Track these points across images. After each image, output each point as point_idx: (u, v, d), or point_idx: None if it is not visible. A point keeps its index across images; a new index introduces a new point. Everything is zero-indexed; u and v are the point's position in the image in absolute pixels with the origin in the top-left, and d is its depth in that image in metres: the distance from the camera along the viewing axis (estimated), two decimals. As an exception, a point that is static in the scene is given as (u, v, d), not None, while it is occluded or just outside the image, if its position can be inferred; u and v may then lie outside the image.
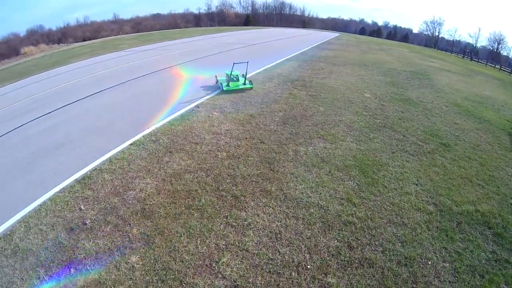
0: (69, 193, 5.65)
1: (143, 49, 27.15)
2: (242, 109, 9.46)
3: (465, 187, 6.54)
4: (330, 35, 52.64)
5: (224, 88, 11.40)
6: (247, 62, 11.74)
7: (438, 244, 4.89)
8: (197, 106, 9.69)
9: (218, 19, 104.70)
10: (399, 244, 4.79)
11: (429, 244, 4.87)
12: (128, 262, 4.15)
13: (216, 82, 12.21)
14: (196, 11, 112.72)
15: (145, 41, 35.27)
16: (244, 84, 11.71)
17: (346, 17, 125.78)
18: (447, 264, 4.55)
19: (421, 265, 4.48)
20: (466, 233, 5.22)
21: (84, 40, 58.86)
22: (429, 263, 4.52)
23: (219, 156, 6.65)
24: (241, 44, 26.68)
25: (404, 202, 5.80)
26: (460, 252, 4.78)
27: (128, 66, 19.05)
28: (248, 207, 5.18)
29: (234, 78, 11.68)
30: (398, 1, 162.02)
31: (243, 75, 11.87)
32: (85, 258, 4.24)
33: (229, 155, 6.73)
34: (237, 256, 4.29)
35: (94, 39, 60.60)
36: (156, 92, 12.35)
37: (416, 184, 6.40)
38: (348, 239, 4.83)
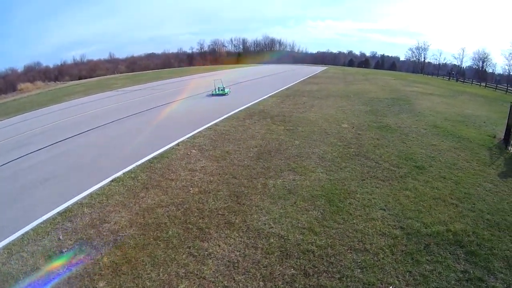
0: (51, 224, 6.25)
1: (133, 89, 29.26)
2: (219, 146, 10.07)
3: (437, 207, 6.67)
4: (318, 69, 55.53)
5: (213, 93, 22.08)
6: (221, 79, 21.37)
7: (401, 268, 4.94)
8: (178, 145, 10.40)
9: (210, 58, 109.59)
10: (359, 270, 4.85)
11: (391, 269, 4.92)
12: (96, 287, 4.54)
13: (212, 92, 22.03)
14: (189, 51, 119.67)
15: (137, 81, 38.10)
16: (223, 90, 22.16)
17: (334, 50, 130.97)
18: None
19: (382, 291, 4.43)
20: (434, 254, 5.28)
21: (80, 79, 60.46)
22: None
23: (191, 192, 7.15)
24: (230, 82, 27.68)
25: (368, 228, 5.91)
26: (426, 275, 4.81)
27: (116, 106, 20.67)
28: (211, 238, 5.50)
29: (220, 89, 22.03)
30: (385, 31, 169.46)
31: (224, 88, 22.32)
32: (59, 282, 4.69)
33: (201, 190, 7.20)
34: (194, 283, 4.56)
35: (90, 77, 62.54)
36: (139, 131, 13.21)
37: (384, 209, 6.54)
38: (305, 267, 4.93)
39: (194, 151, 9.63)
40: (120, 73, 71.36)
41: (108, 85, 36.36)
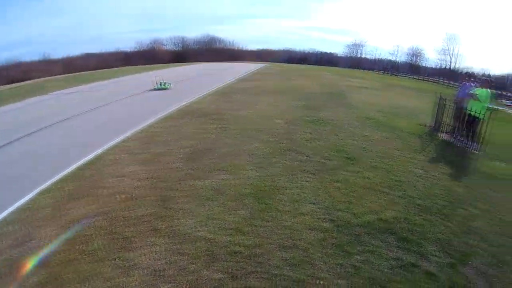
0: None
1: (67, 92, 26.89)
2: (151, 149, 9.62)
3: (367, 197, 6.71)
4: (257, 66, 55.62)
5: (156, 88, 23.28)
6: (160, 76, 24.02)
7: (332, 262, 4.84)
8: (108, 150, 9.79)
9: (149, 57, 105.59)
10: (288, 268, 4.68)
11: (322, 263, 4.80)
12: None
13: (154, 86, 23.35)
14: (128, 50, 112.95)
15: (73, 83, 35.27)
16: (165, 85, 23.63)
17: (275, 47, 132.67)
18: (342, 281, 4.48)
19: (311, 287, 4.37)
20: (365, 244, 5.25)
21: (12, 82, 56.29)
22: (321, 283, 4.42)
23: (118, 199, 6.71)
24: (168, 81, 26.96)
25: (297, 223, 5.76)
26: (358, 266, 4.76)
27: (48, 111, 18.35)
28: (136, 247, 5.19)
29: (162, 84, 23.50)
30: (325, 29, 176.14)
31: (166, 83, 23.78)
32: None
33: (128, 197, 6.77)
34: (119, 297, 4.25)
35: (23, 80, 58.60)
36: (69, 138, 12.04)
37: (313, 203, 6.45)
38: (232, 269, 4.69)
39: (124, 155, 9.14)
40: (56, 75, 67.06)
41: (42, 88, 32.76)
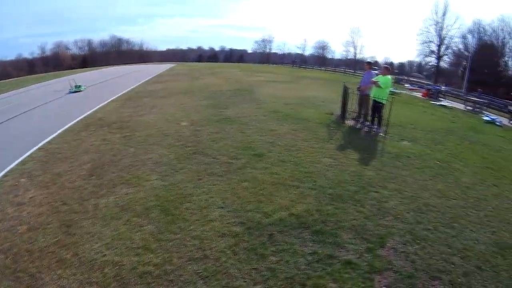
0: None
1: None
2: (50, 169, 8.92)
3: (277, 193, 6.64)
4: (165, 67, 55.46)
5: (72, 91, 25.01)
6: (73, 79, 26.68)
7: (246, 267, 4.67)
8: (5, 175, 8.87)
9: (53, 64, 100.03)
10: (201, 282, 4.44)
11: (236, 271, 4.61)
12: None
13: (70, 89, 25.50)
14: (29, 56, 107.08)
15: None
16: (79, 87, 25.79)
17: (184, 47, 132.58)
18: (259, 286, 4.35)
19: (227, 298, 4.06)
20: (279, 243, 5.14)
21: None
22: (237, 291, 4.12)
23: (20, 231, 6.12)
24: (66, 91, 26.26)
25: (206, 231, 5.52)
26: (274, 267, 4.63)
27: None
28: (44, 284, 4.75)
29: (76, 87, 25.30)
30: (234, 26, 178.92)
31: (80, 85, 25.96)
32: None
33: (30, 227, 6.21)
34: None
35: None
36: None
37: (222, 207, 6.23)
38: None
39: (23, 179, 8.39)
40: None
41: None
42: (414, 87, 31.41)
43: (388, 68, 11.33)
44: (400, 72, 77.51)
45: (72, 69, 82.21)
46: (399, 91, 24.48)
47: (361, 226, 5.55)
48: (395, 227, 5.54)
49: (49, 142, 11.52)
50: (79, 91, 25.42)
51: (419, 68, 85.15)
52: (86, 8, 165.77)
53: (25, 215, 6.70)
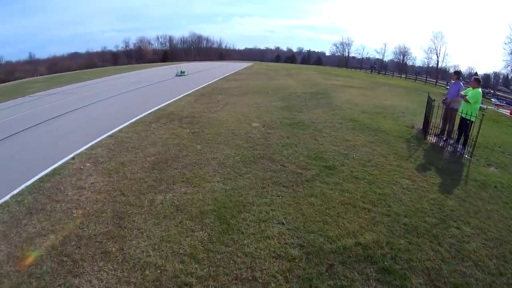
0: None
1: (49, 93, 26.62)
2: (116, 157, 9.05)
3: (345, 215, 5.91)
4: (243, 65, 56.52)
5: (178, 75, 33.74)
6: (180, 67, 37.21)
7: (296, 301, 3.93)
8: (73, 158, 9.20)
9: (136, 57, 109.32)
10: None
11: (283, 302, 3.89)
12: None
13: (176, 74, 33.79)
14: (114, 49, 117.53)
15: (56, 83, 35.51)
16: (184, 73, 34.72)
17: (262, 46, 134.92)
18: None
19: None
20: (338, 277, 4.46)
21: None
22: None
23: (74, 215, 6.22)
24: (147, 82, 28.25)
25: (261, 249, 4.98)
26: None
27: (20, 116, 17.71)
28: (84, 272, 4.74)
29: (181, 72, 34.11)
30: (312, 27, 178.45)
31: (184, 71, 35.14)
32: None
33: (85, 212, 6.27)
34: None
35: (7, 81, 58.60)
36: (37, 144, 11.41)
37: (282, 223, 5.65)
38: None
39: (88, 164, 8.62)
40: (40, 75, 67.19)
41: (23, 90, 32.70)
42: (502, 102, 27.72)
43: (479, 80, 9.88)
44: (485, 84, 71.33)
45: (153, 62, 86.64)
46: (485, 106, 22.09)
47: (435, 270, 4.66)
48: (474, 276, 4.58)
49: (119, 131, 11.82)
50: (183, 75, 34.06)
51: (506, 81, 77.31)
52: (167, 6, 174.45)
53: (83, 200, 6.78)
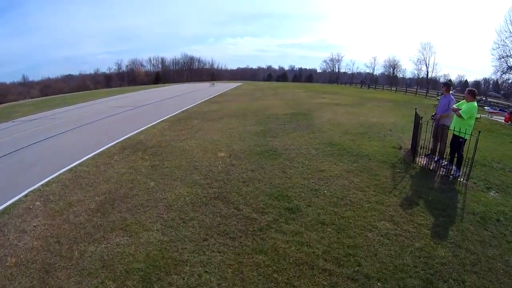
0: None
1: (33, 118, 26.94)
2: (67, 195, 8.48)
3: (298, 281, 4.68)
4: (231, 85, 57.34)
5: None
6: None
7: None
8: (26, 195, 8.70)
9: (128, 79, 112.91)
10: None
11: None
12: None
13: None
14: (107, 71, 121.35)
15: (43, 107, 36.21)
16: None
17: (254, 66, 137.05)
18: None
19: None
20: None
21: None
22: None
23: (7, 264, 5.72)
24: (129, 107, 28.04)
25: None
26: None
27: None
28: None
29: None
30: (302, 45, 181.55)
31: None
32: None
33: (17, 261, 5.76)
34: None
35: (0, 103, 60.07)
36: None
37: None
38: None
39: (38, 203, 8.09)
40: (31, 98, 69.99)
41: (8, 114, 32.89)
42: (495, 110, 26.41)
43: (474, 92, 8.54)
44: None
45: (145, 84, 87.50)
46: (478, 115, 20.75)
47: None
48: None
49: (80, 164, 11.26)
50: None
51: (496, 87, 78.57)
52: (159, 27, 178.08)
53: (20, 246, 6.30)
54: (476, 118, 19.22)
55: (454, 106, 8.70)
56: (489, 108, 26.73)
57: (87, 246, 6.06)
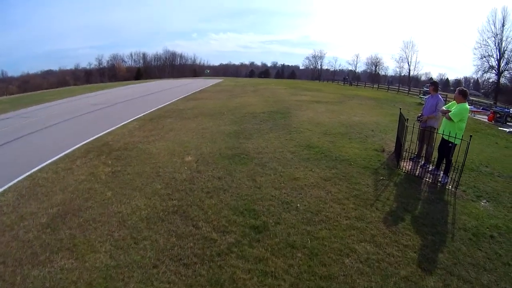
0: None
1: (5, 117, 25.26)
2: (20, 207, 7.66)
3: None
4: (211, 82, 56.21)
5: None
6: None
7: None
8: None
9: (109, 75, 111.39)
10: None
11: None
12: None
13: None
14: (87, 67, 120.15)
15: (17, 105, 34.45)
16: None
17: (237, 62, 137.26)
18: None
19: None
20: None
21: None
22: None
23: None
24: (106, 104, 27.10)
25: None
26: None
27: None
28: None
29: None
30: (285, 41, 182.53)
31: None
32: None
33: None
34: None
35: None
36: None
37: None
38: None
39: None
40: (9, 95, 67.60)
41: None
42: (478, 109, 26.60)
43: (465, 92, 7.81)
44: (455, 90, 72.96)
45: (126, 80, 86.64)
46: None
47: None
48: None
49: (39, 170, 10.42)
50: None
51: (476, 85, 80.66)
52: (143, 22, 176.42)
53: None
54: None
55: (444, 107, 7.94)
56: (472, 107, 26.72)
57: (31, 270, 5.40)
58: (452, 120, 7.37)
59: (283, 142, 11.30)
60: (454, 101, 7.81)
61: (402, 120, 8.99)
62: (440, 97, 8.83)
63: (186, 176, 8.65)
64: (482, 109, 26.11)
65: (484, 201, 6.98)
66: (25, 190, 8.70)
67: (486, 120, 20.86)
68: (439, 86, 10.43)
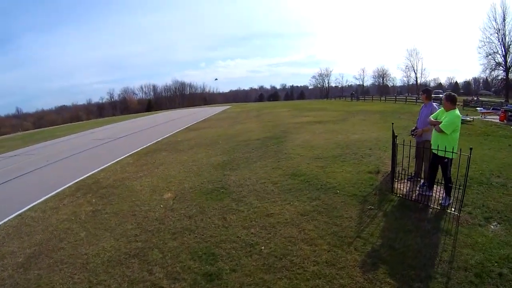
0: None
1: (13, 154, 26.41)
2: (4, 246, 7.76)
3: None
4: (218, 109, 57.48)
5: None
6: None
7: None
8: None
9: (121, 107, 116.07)
10: None
11: None
12: None
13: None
14: (99, 101, 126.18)
15: (28, 142, 36.24)
16: None
17: (246, 87, 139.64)
18: None
19: None
20: None
21: None
22: None
23: None
24: (108, 139, 27.93)
25: None
26: None
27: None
28: None
29: None
30: (292, 63, 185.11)
31: None
32: None
33: None
34: None
35: None
36: None
37: None
38: None
39: None
40: (24, 131, 71.08)
41: None
42: (488, 109, 25.10)
43: (454, 97, 6.91)
44: (466, 92, 72.44)
45: (138, 112, 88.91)
46: (471, 119, 19.40)
47: None
48: None
49: (29, 209, 10.52)
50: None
51: (486, 84, 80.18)
52: (151, 54, 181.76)
53: None
54: (469, 121, 17.93)
55: (431, 117, 7.14)
56: (481, 108, 25.50)
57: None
58: (444, 132, 6.55)
59: (268, 172, 10.73)
60: (442, 109, 6.97)
61: (393, 137, 8.16)
62: (435, 105, 8.00)
63: (159, 215, 8.30)
64: (492, 109, 24.72)
65: (495, 223, 5.92)
66: (12, 229, 8.82)
67: (498, 121, 19.79)
68: (433, 93, 9.56)
